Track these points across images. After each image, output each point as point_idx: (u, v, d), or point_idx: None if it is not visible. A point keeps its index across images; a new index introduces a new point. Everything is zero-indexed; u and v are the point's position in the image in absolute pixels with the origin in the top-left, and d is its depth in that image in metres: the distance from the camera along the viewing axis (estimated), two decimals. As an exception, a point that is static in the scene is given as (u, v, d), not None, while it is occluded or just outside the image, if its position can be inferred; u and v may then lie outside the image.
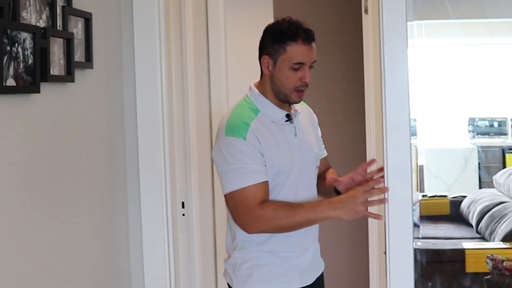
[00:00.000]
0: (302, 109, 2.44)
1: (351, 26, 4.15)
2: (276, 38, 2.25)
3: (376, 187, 2.14)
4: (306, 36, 2.24)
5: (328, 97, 4.30)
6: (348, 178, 2.30)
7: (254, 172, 2.19)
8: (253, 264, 2.30)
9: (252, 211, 2.18)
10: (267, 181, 2.22)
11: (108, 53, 2.44)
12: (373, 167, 2.31)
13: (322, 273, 2.48)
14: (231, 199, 2.22)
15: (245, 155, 2.19)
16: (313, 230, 2.38)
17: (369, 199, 2.14)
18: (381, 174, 2.17)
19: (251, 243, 2.29)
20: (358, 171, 2.30)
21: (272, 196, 2.25)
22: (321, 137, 2.55)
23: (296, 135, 2.33)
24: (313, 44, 2.28)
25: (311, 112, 2.52)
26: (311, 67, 2.28)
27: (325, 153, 2.55)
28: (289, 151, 2.29)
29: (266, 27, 2.32)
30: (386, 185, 2.15)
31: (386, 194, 2.11)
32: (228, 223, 2.39)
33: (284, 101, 2.29)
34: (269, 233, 2.25)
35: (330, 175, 2.46)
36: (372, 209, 2.19)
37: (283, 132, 2.30)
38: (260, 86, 2.33)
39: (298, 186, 2.30)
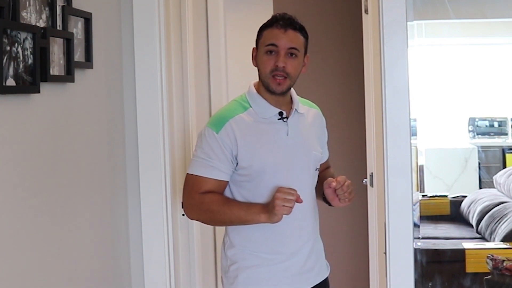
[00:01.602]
0: (309, 111, 2.41)
1: (351, 26, 4.15)
2: (260, 29, 2.31)
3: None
4: (283, 22, 2.25)
5: (328, 97, 4.30)
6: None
7: (212, 167, 2.24)
8: (240, 265, 2.28)
9: (191, 197, 2.26)
10: (222, 181, 2.25)
11: (108, 53, 2.44)
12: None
13: (326, 278, 2.41)
14: (185, 179, 2.31)
15: (210, 149, 2.24)
16: (306, 232, 2.32)
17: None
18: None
19: (239, 243, 2.30)
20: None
21: (256, 195, 2.24)
22: (327, 141, 2.52)
23: (288, 134, 2.29)
24: (292, 31, 2.25)
25: (319, 115, 2.48)
26: (292, 54, 2.24)
27: (326, 156, 2.52)
28: (276, 150, 2.26)
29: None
30: (386, 185, 2.15)
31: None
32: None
33: (270, 91, 2.28)
34: (204, 223, 2.44)
35: (327, 176, 2.44)
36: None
37: (273, 130, 2.28)
38: (257, 83, 2.34)
39: (287, 185, 2.23)
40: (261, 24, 2.33)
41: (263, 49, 2.26)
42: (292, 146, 2.29)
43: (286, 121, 2.30)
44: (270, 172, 2.24)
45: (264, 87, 2.28)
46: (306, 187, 2.31)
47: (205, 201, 2.24)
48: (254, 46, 2.32)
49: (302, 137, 2.34)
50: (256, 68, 2.32)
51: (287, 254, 2.28)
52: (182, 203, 2.33)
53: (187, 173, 2.30)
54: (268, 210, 2.17)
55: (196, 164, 2.27)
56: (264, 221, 2.18)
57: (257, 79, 2.34)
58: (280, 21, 2.25)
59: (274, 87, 2.26)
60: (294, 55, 2.25)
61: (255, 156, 2.23)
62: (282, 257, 2.27)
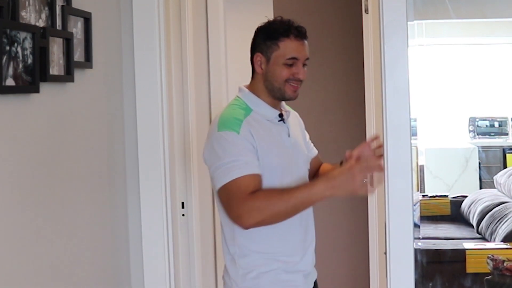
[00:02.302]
0: (291, 113, 2.42)
1: (351, 26, 4.15)
2: (268, 35, 2.24)
3: (373, 164, 2.10)
4: (298, 32, 2.23)
5: (328, 97, 4.30)
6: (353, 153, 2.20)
7: (246, 164, 2.12)
8: (260, 271, 2.23)
9: (245, 201, 2.08)
10: (260, 174, 2.14)
11: (108, 53, 2.43)
12: (373, 144, 2.26)
13: (316, 280, 2.44)
14: (223, 193, 2.14)
15: (237, 149, 2.13)
16: (310, 231, 2.35)
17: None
18: (380, 152, 2.12)
19: (255, 250, 2.23)
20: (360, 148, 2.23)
21: None
22: (309, 139, 2.53)
23: (289, 136, 2.31)
24: (305, 41, 2.26)
25: (298, 116, 2.49)
26: (304, 64, 2.26)
27: (315, 151, 2.53)
28: (284, 150, 2.26)
29: (258, 26, 2.30)
30: (386, 185, 2.14)
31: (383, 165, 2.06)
32: (223, 230, 2.31)
33: (279, 97, 2.26)
34: (265, 224, 2.13)
35: (325, 167, 2.46)
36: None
37: (277, 131, 2.27)
38: (252, 86, 2.31)
39: (294, 184, 2.25)
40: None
41: (282, 60, 2.22)
42: (292, 146, 2.31)
43: (285, 123, 2.31)
44: (281, 173, 2.22)
45: (273, 93, 2.26)
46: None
47: (261, 198, 2.09)
48: (258, 52, 2.26)
49: (296, 138, 2.36)
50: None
51: (300, 255, 2.29)
52: (232, 215, 2.13)
53: (224, 184, 2.12)
54: (332, 186, 2.07)
55: (229, 170, 2.11)
56: (330, 196, 2.08)
57: (245, 83, 2.33)
58: (295, 31, 2.22)
59: (290, 94, 2.25)
60: (305, 64, 2.27)
61: (270, 156, 2.20)
62: (296, 259, 2.28)
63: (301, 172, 2.34)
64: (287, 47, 2.22)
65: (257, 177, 2.13)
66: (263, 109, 2.27)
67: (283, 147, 2.27)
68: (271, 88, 2.26)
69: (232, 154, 2.12)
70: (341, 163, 2.32)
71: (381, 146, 2.15)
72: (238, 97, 2.31)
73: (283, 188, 2.16)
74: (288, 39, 2.22)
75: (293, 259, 2.27)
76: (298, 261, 2.28)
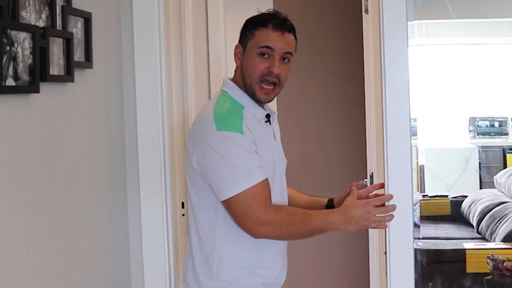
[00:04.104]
0: (275, 114, 2.27)
1: (351, 26, 4.15)
2: (248, 25, 2.12)
3: (382, 204, 2.08)
4: (279, 23, 2.08)
5: (328, 97, 4.30)
6: (346, 195, 2.16)
7: (258, 168, 1.98)
8: (239, 286, 2.09)
9: (266, 213, 1.96)
10: (267, 178, 2.03)
11: (108, 53, 2.43)
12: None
13: None
14: (237, 203, 1.97)
15: (245, 150, 1.98)
16: (287, 243, 2.23)
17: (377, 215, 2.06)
18: (382, 192, 2.16)
19: (235, 262, 2.09)
20: (364, 190, 2.19)
21: None
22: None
23: (275, 138, 2.18)
24: (288, 34, 2.09)
25: (276, 119, 2.31)
26: (285, 59, 2.10)
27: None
28: (271, 153, 2.12)
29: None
30: (386, 185, 2.14)
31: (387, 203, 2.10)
32: (200, 240, 2.13)
33: (252, 97, 2.10)
34: (279, 239, 2.07)
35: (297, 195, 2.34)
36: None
37: (265, 132, 2.13)
38: (235, 79, 2.16)
39: (282, 190, 2.16)
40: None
41: (255, 50, 2.07)
42: (277, 149, 2.20)
43: (271, 124, 2.18)
44: (269, 177, 2.06)
45: (248, 92, 2.11)
46: (286, 191, 2.23)
47: (284, 215, 1.98)
48: (238, 43, 2.14)
49: (279, 141, 2.26)
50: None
51: (279, 268, 2.18)
52: (247, 224, 1.99)
53: (238, 193, 1.95)
54: (352, 222, 2.01)
55: (243, 176, 1.96)
56: (343, 228, 2.02)
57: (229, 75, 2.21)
58: (275, 22, 2.08)
59: (261, 97, 2.09)
60: (287, 60, 2.11)
61: (263, 158, 2.06)
62: (275, 272, 2.17)
63: (283, 178, 2.20)
64: (262, 35, 2.07)
65: (268, 183, 2.02)
66: (252, 107, 2.12)
67: (272, 149, 2.13)
68: (245, 84, 2.10)
69: (241, 156, 1.97)
70: (329, 200, 2.28)
71: (382, 186, 2.18)
72: (225, 91, 2.15)
73: (305, 210, 2.05)
74: (265, 28, 2.07)
75: (272, 272, 2.15)
76: (277, 275, 2.17)
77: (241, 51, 2.13)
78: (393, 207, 2.10)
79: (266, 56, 2.07)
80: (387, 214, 2.09)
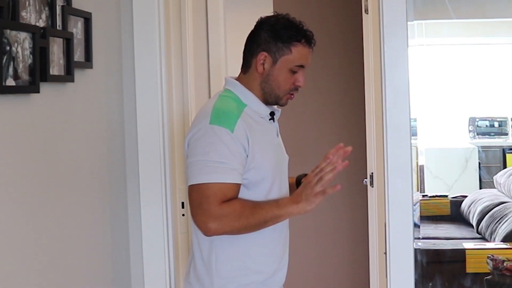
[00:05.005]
0: (279, 112, 2.29)
1: (351, 26, 4.15)
2: (280, 37, 2.12)
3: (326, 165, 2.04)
4: (309, 38, 2.15)
5: (328, 97, 4.30)
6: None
7: (233, 170, 2.00)
8: (239, 284, 2.10)
9: (219, 208, 1.97)
10: (240, 185, 2.04)
11: (108, 53, 2.43)
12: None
13: None
14: (197, 191, 2.00)
15: (228, 150, 1.99)
16: (288, 239, 2.25)
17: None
18: (332, 154, 2.09)
19: (238, 258, 2.11)
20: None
21: (261, 199, 2.09)
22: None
23: (278, 136, 2.21)
24: None
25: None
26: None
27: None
28: (274, 151, 2.15)
29: (263, 19, 2.19)
30: (386, 185, 2.14)
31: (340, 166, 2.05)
32: (195, 235, 2.16)
33: (271, 102, 2.16)
34: (232, 234, 2.04)
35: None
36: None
37: (268, 130, 2.16)
38: (244, 81, 2.16)
39: (281, 187, 2.17)
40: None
41: (290, 66, 2.12)
42: (280, 147, 2.23)
43: (274, 122, 2.21)
44: (269, 173, 2.10)
45: (267, 96, 2.14)
46: (287, 190, 2.24)
47: (236, 207, 1.99)
48: (264, 51, 2.12)
49: (281, 139, 2.27)
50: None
51: (281, 264, 2.19)
52: (198, 218, 2.01)
53: (202, 183, 1.99)
54: (301, 199, 2.01)
55: (215, 170, 1.98)
56: (298, 212, 2.02)
57: (233, 74, 2.22)
58: (306, 37, 2.14)
59: (284, 103, 2.17)
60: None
61: (263, 157, 2.08)
62: (273, 268, 2.17)
63: (284, 175, 2.22)
64: (299, 53, 2.12)
65: (237, 188, 2.03)
66: (256, 104, 2.13)
67: (273, 147, 2.16)
68: (269, 92, 2.14)
69: (220, 154, 1.99)
70: (297, 178, 2.28)
71: (337, 149, 2.12)
72: (228, 89, 2.16)
73: (251, 201, 2.06)
74: (300, 44, 2.12)
75: (271, 269, 2.16)
76: (278, 271, 2.18)
77: (270, 62, 2.13)
78: (334, 164, 2.03)
79: (296, 72, 2.13)
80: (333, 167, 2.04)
